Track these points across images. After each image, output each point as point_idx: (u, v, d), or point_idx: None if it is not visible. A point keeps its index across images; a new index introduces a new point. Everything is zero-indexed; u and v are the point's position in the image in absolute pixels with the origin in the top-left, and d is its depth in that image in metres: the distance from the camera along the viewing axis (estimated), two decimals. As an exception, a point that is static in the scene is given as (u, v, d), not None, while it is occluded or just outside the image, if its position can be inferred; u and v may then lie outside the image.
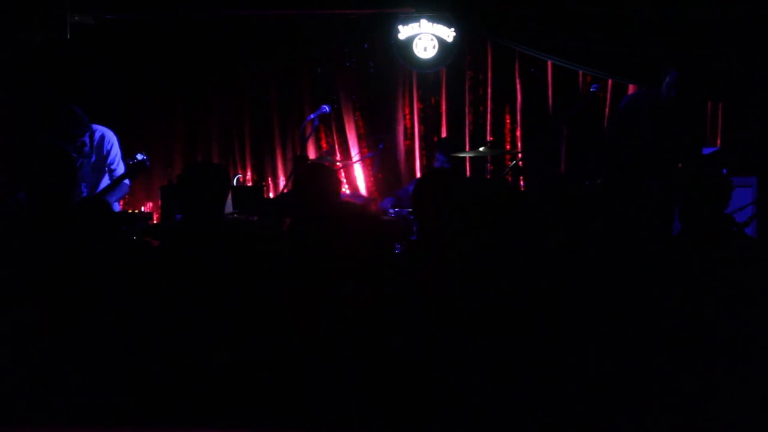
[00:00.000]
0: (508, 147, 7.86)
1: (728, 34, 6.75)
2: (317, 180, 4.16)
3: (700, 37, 6.83)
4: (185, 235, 3.54)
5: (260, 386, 3.13)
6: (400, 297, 3.16)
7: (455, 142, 7.49)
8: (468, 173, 7.77)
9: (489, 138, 7.77)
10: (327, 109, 7.00)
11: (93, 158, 6.08)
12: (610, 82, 7.50)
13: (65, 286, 3.31)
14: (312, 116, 7.02)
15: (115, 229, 3.66)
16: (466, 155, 7.23)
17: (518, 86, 7.79)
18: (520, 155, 7.62)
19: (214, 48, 7.96)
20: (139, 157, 5.75)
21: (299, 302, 3.25)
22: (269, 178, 8.21)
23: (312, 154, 7.89)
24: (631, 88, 7.46)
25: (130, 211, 7.57)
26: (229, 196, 6.64)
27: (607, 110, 7.61)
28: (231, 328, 3.23)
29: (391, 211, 6.45)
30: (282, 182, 8.05)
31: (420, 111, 8.05)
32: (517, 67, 7.78)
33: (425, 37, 7.58)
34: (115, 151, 6.18)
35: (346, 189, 7.92)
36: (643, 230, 3.48)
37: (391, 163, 8.01)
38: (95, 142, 6.11)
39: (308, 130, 7.15)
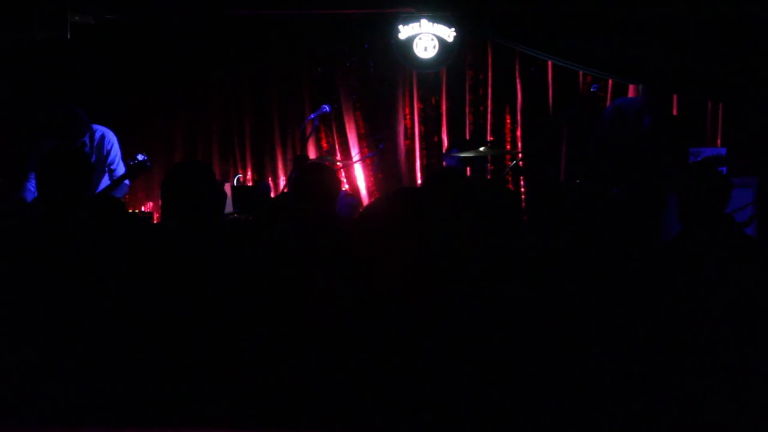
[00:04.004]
0: (508, 147, 7.87)
1: (728, 34, 6.75)
2: (318, 180, 4.15)
3: (700, 37, 6.84)
4: (178, 236, 3.53)
5: (260, 386, 3.13)
6: (400, 296, 3.16)
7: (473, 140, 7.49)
8: (468, 173, 7.78)
9: (489, 138, 7.78)
10: (327, 108, 7.02)
11: (93, 158, 6.07)
12: (610, 82, 7.51)
13: (67, 285, 3.31)
14: (312, 116, 7.04)
15: (124, 227, 3.66)
16: (466, 155, 7.24)
17: (518, 86, 7.80)
18: (520, 155, 7.63)
19: (214, 48, 7.97)
20: (140, 157, 5.74)
21: (299, 302, 3.25)
22: (269, 178, 8.21)
23: (312, 154, 7.90)
24: (631, 88, 7.48)
25: (130, 211, 7.58)
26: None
27: (607, 110, 7.62)
28: (230, 328, 3.23)
29: None
30: (282, 182, 8.05)
31: (420, 111, 8.06)
32: (517, 67, 7.78)
33: (425, 37, 7.58)
34: (115, 151, 6.17)
35: (346, 188, 7.92)
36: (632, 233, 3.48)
37: (391, 163, 8.02)
38: (95, 142, 6.10)
39: (308, 129, 7.16)
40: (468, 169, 7.07)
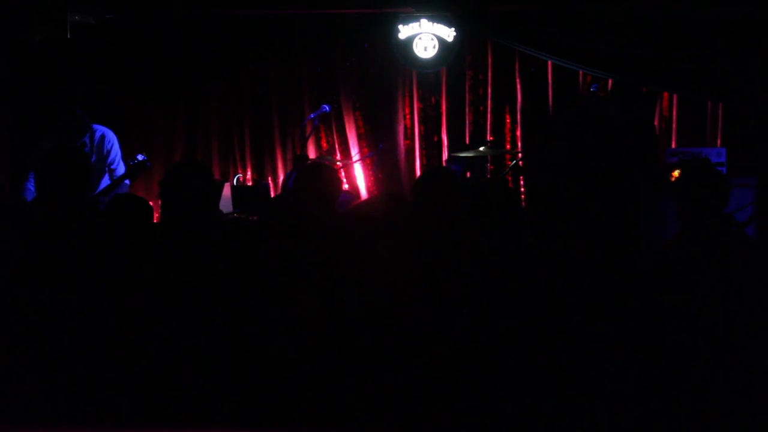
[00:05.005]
0: (508, 147, 7.87)
1: (728, 34, 6.75)
2: (319, 179, 4.15)
3: (700, 37, 6.84)
4: (178, 234, 3.53)
5: (260, 386, 3.13)
6: (399, 297, 3.16)
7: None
8: (468, 173, 7.78)
9: (489, 138, 7.78)
10: (327, 108, 7.03)
11: (93, 158, 6.07)
12: (610, 82, 7.50)
13: (66, 285, 3.31)
14: (312, 116, 7.04)
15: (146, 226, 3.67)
16: (466, 155, 7.24)
17: (518, 86, 7.80)
18: (520, 155, 7.63)
19: (214, 48, 7.96)
20: (140, 157, 5.75)
21: (299, 301, 3.25)
22: (269, 178, 8.21)
23: (312, 154, 7.90)
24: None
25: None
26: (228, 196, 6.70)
27: (606, 110, 7.61)
28: (229, 328, 3.23)
29: None
30: (282, 182, 8.05)
31: (420, 111, 8.06)
32: (517, 67, 7.78)
33: (425, 37, 7.58)
34: (116, 151, 6.18)
35: (346, 187, 7.93)
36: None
37: (391, 162, 8.02)
38: (95, 142, 6.11)
39: (308, 129, 7.16)
40: (468, 173, 7.07)
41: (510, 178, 7.72)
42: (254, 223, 6.17)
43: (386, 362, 3.08)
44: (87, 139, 6.06)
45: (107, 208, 3.73)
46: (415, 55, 7.61)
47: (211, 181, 3.69)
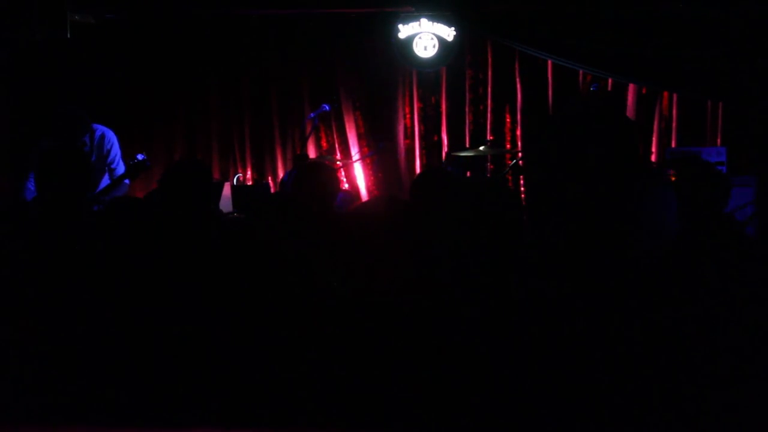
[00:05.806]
0: (508, 146, 7.87)
1: (728, 33, 6.76)
2: (317, 178, 4.16)
3: (700, 37, 6.84)
4: (176, 234, 3.53)
5: (260, 386, 3.13)
6: (399, 296, 3.16)
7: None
8: (468, 173, 7.78)
9: (489, 137, 7.78)
10: (327, 107, 7.04)
11: (93, 157, 6.08)
12: (610, 81, 7.51)
13: (66, 285, 3.31)
14: (312, 115, 7.05)
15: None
16: (466, 154, 7.25)
17: (518, 85, 7.79)
18: (520, 154, 7.63)
19: (214, 47, 7.97)
20: (140, 157, 5.76)
21: (299, 301, 3.25)
22: (269, 178, 8.21)
23: (312, 153, 7.91)
24: (631, 88, 7.49)
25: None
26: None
27: (607, 110, 7.60)
28: (230, 328, 3.24)
29: None
30: (280, 181, 8.05)
31: (420, 110, 8.06)
32: (517, 66, 7.78)
33: (425, 36, 7.58)
34: (115, 151, 6.18)
35: (346, 187, 7.93)
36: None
37: (391, 162, 8.02)
38: (95, 142, 6.11)
39: (308, 129, 7.16)
40: (468, 173, 7.08)
41: (510, 178, 7.73)
42: (253, 222, 6.16)
43: (385, 362, 3.08)
44: (87, 139, 6.07)
45: (105, 212, 3.73)
46: (415, 54, 7.61)
47: (211, 181, 3.69)
